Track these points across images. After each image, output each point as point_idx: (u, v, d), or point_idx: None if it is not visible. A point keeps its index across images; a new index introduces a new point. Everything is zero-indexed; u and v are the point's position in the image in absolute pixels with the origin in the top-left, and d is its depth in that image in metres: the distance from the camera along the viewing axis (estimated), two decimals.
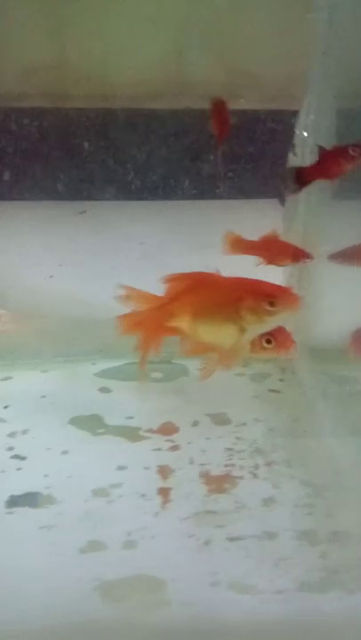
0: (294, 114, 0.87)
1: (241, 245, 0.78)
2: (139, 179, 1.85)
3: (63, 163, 1.81)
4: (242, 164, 1.83)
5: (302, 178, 0.79)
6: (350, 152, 0.73)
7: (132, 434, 0.77)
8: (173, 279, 0.71)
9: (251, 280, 0.69)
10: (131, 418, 0.80)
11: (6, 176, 1.83)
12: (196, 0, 1.69)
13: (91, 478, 0.69)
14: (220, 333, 0.68)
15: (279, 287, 0.68)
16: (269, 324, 0.66)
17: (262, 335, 0.69)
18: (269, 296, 0.65)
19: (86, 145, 1.82)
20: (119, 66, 1.76)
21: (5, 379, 0.88)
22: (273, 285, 0.68)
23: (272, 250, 0.79)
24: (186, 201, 1.84)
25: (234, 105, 1.80)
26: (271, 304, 0.64)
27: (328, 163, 0.76)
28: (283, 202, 0.91)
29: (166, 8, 1.67)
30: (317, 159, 0.77)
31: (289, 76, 0.95)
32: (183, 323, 0.70)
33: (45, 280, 1.23)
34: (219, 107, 1.02)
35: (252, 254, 0.79)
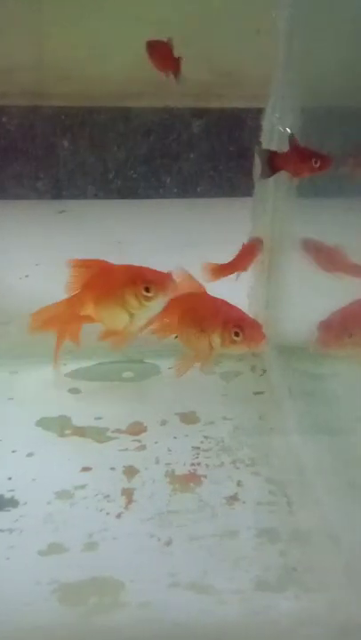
0: (260, 112, 0.87)
1: (220, 270, 0.84)
2: (119, 177, 1.84)
3: (43, 161, 1.80)
4: (223, 162, 1.83)
5: (274, 163, 0.79)
6: (313, 164, 0.72)
7: (99, 434, 0.76)
8: (77, 265, 0.77)
9: (136, 267, 0.75)
10: (99, 418, 0.79)
11: None
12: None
13: (55, 480, 0.68)
14: (115, 318, 0.74)
15: (158, 273, 0.72)
16: (151, 308, 0.72)
17: (232, 328, 0.70)
18: (146, 282, 0.70)
19: (66, 143, 1.80)
20: (100, 64, 1.75)
21: None
22: (153, 272, 0.72)
23: (243, 262, 0.85)
24: (166, 199, 1.84)
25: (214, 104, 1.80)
26: (147, 290, 0.70)
27: (295, 161, 0.76)
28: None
29: (148, 7, 1.66)
30: (289, 149, 0.77)
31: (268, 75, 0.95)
32: (89, 310, 0.77)
33: (20, 280, 1.22)
34: (158, 46, 1.03)
35: (232, 273, 0.85)
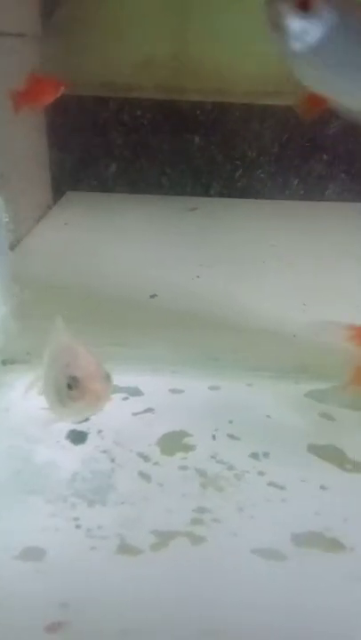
0: None
1: None
2: (245, 176, 1.75)
3: (171, 157, 1.72)
4: (356, 166, 1.73)
5: None
6: None
7: None
8: None
9: None
10: None
11: (113, 168, 1.74)
12: None
13: None
14: None
15: None
16: None
17: None
18: None
19: (197, 139, 1.72)
20: (238, 61, 1.65)
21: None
22: None
23: None
24: (292, 201, 1.75)
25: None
26: None
27: None
28: None
29: None
30: None
31: None
32: None
33: (192, 280, 1.14)
34: None
35: None
